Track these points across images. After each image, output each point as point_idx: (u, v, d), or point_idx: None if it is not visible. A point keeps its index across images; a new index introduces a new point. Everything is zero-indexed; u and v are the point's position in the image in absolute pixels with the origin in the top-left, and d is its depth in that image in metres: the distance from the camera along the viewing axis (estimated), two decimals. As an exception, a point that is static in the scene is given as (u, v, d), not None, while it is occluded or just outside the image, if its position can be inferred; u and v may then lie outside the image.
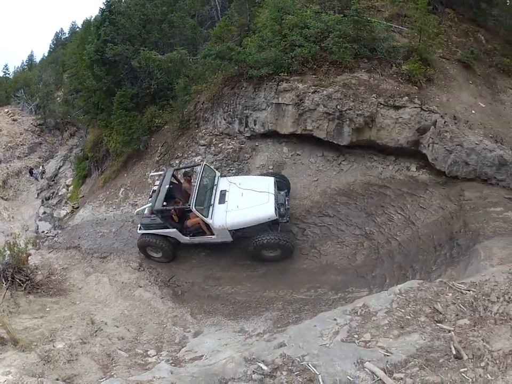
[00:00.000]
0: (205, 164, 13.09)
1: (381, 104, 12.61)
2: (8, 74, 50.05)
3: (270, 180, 12.59)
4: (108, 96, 19.07)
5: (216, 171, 13.27)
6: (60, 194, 25.33)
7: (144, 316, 10.99)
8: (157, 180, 13.99)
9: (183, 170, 13.98)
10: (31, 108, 33.76)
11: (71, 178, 26.05)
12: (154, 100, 18.62)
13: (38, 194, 26.36)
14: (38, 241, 19.20)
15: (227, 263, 12.59)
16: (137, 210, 13.15)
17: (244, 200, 11.99)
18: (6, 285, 10.87)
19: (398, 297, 6.09)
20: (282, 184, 13.03)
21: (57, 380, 7.07)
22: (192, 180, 13.28)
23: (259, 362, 5.02)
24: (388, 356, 4.82)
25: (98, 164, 22.21)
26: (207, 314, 11.24)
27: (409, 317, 5.57)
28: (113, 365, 8.24)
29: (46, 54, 55.92)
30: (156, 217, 12.24)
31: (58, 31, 59.85)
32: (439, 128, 12.14)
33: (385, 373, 4.55)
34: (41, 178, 27.78)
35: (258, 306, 11.12)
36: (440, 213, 11.69)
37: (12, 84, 40.17)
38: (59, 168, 28.59)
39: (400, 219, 12.03)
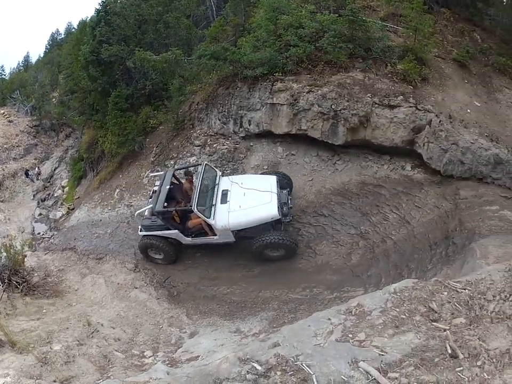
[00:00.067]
0: (206, 163, 12.97)
1: (375, 103, 12.63)
2: (4, 75, 49.76)
3: (272, 179, 12.45)
4: (103, 97, 19.03)
5: (217, 170, 13.14)
6: (55, 195, 25.19)
7: (140, 317, 10.97)
8: (157, 180, 13.82)
9: (184, 170, 13.76)
10: (26, 109, 33.64)
11: (67, 180, 25.91)
12: (149, 100, 18.60)
13: (33, 196, 26.23)
14: (34, 243, 19.15)
15: (222, 263, 12.55)
16: (138, 212, 12.93)
17: (246, 200, 11.83)
18: (2, 287, 10.82)
19: (392, 296, 6.06)
20: (284, 183, 12.92)
21: (54, 381, 7.11)
22: (193, 180, 13.14)
23: (253, 362, 5.00)
24: (382, 355, 4.79)
25: (94, 165, 22.09)
26: (202, 315, 11.22)
27: (404, 316, 5.54)
28: (110, 366, 8.27)
29: (42, 55, 55.88)
30: (157, 219, 12.12)
31: (54, 32, 59.71)
32: (434, 128, 12.17)
33: (380, 373, 4.52)
34: (37, 179, 27.66)
35: (254, 307, 11.10)
36: (435, 212, 11.70)
37: (8, 85, 40.01)
38: (55, 170, 28.45)
39: (395, 218, 12.04)
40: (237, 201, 11.91)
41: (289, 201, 12.30)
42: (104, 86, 18.85)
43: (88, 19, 32.83)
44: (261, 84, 14.11)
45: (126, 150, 17.58)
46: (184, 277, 12.58)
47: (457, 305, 5.57)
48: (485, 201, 11.28)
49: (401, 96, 12.55)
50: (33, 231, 22.15)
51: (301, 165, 14.11)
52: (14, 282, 11.06)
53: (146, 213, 12.69)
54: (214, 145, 15.34)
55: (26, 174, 28.00)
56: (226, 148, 15.10)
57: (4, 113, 33.49)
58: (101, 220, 15.87)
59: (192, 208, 11.35)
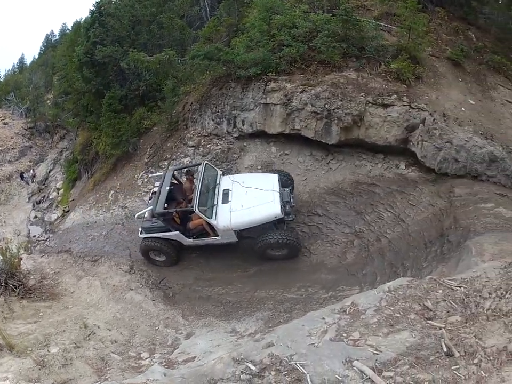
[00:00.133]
0: (206, 163, 12.83)
1: (369, 102, 12.65)
2: (-1, 77, 49.88)
3: (274, 177, 12.32)
4: (97, 98, 18.96)
5: (217, 170, 13.00)
6: (50, 198, 25.17)
7: (136, 319, 10.92)
8: (157, 181, 13.64)
9: (185, 169, 13.63)
10: (21, 111, 33.65)
11: (62, 182, 25.87)
12: (143, 101, 18.57)
13: (29, 198, 26.22)
14: (29, 245, 19.13)
15: (217, 264, 12.51)
16: (138, 214, 12.74)
17: (248, 199, 11.69)
18: (-1, 290, 10.82)
19: (387, 295, 6.03)
20: (286, 181, 12.76)
21: (53, 384, 7.11)
22: (194, 179, 12.99)
23: (247, 362, 4.97)
24: (377, 354, 4.75)
25: (88, 167, 22.06)
26: (198, 316, 11.18)
27: (398, 315, 5.50)
28: (107, 368, 8.27)
29: (37, 56, 55.73)
30: (157, 220, 11.98)
31: (48, 33, 59.60)
32: (428, 126, 12.19)
33: (375, 372, 4.48)
34: (32, 182, 27.63)
35: (250, 307, 11.08)
36: (430, 210, 11.70)
37: (3, 87, 40.05)
38: (49, 172, 28.42)
39: (389, 217, 12.04)
40: (238, 200, 11.75)
41: (291, 200, 12.12)
42: (98, 88, 18.80)
43: (82, 20, 32.79)
44: (254, 84, 14.09)
45: (120, 151, 17.53)
46: (179, 278, 12.53)
47: (452, 303, 5.53)
48: (479, 198, 11.28)
49: (395, 95, 12.57)
50: (29, 233, 22.16)
51: (295, 165, 14.08)
52: (11, 285, 11.00)
53: (146, 215, 12.55)
54: (208, 145, 15.30)
55: (22, 177, 27.97)
56: (220, 148, 15.06)
57: (-1, 115, 33.49)
58: (95, 222, 15.79)
59: (194, 208, 11.21)
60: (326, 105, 12.92)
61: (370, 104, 12.65)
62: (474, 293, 5.65)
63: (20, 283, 11.27)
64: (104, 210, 16.04)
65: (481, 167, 11.80)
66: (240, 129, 14.96)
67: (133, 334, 10.22)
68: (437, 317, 5.35)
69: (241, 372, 4.82)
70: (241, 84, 14.42)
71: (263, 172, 13.74)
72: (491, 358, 4.43)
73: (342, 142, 13.35)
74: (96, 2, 19.44)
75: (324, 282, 11.24)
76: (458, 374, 4.32)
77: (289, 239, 11.44)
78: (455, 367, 4.43)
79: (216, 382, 4.75)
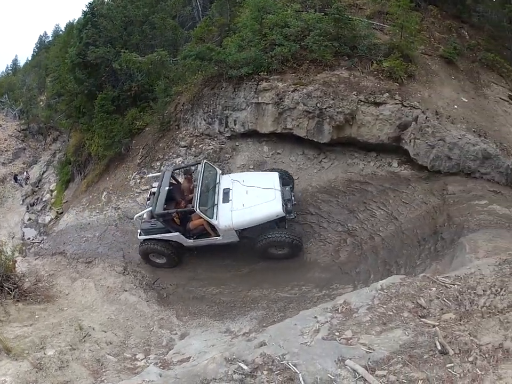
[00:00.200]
0: (206, 162, 12.67)
1: (361, 101, 12.66)
2: (-7, 79, 49.59)
3: (275, 175, 12.22)
4: (89, 99, 18.88)
5: (217, 168, 12.86)
6: (44, 200, 25.14)
7: (131, 320, 10.87)
8: (155, 181, 13.50)
9: (183, 169, 13.51)
10: (15, 113, 33.60)
11: (55, 184, 25.84)
12: (135, 102, 18.51)
13: (23, 201, 26.24)
14: (24, 248, 19.17)
15: (211, 264, 12.46)
16: (137, 215, 12.54)
17: (250, 198, 11.55)
18: (-5, 293, 10.79)
19: (379, 293, 6.03)
20: (285, 179, 12.64)
21: (50, 387, 7.13)
22: (192, 179, 12.91)
23: (239, 362, 4.97)
24: (369, 352, 4.75)
25: (81, 168, 22.02)
26: (192, 316, 11.17)
27: (391, 313, 5.50)
28: (103, 370, 8.25)
29: (30, 58, 55.53)
30: (157, 221, 11.77)
31: (42, 35, 59.38)
32: (421, 124, 12.20)
33: (367, 371, 4.47)
34: (26, 184, 27.60)
35: (243, 306, 11.07)
36: (423, 207, 11.72)
37: (-3, 89, 39.91)
38: (43, 174, 28.40)
39: (382, 215, 12.05)
40: (239, 199, 11.62)
41: (292, 198, 12.05)
42: (91, 89, 18.73)
43: (75, 21, 32.69)
44: (246, 84, 14.07)
45: (113, 152, 17.47)
46: (173, 278, 12.49)
47: (446, 300, 5.53)
48: (473, 195, 11.31)
49: (387, 93, 12.58)
50: (23, 236, 22.18)
51: (287, 164, 14.05)
52: (6, 288, 10.95)
53: (145, 216, 12.37)
54: (200, 145, 15.26)
55: (15, 179, 27.95)
56: (212, 148, 15.02)
57: (-8, 118, 33.41)
58: (89, 223, 15.72)
59: (194, 208, 11.07)
60: (318, 104, 12.92)
61: (362, 103, 12.66)
62: (469, 290, 5.64)
63: (15, 286, 11.22)
64: (97, 211, 15.98)
65: (475, 164, 11.81)
66: (232, 129, 14.94)
67: (127, 335, 10.18)
68: (430, 315, 5.33)
69: (234, 371, 4.82)
70: (233, 84, 14.40)
71: (263, 171, 13.62)
72: (487, 355, 4.41)
73: (334, 140, 13.35)
74: (89, 3, 19.40)
75: (317, 281, 11.23)
76: (453, 372, 4.31)
77: (290, 238, 11.33)
78: (449, 365, 4.41)
79: (209, 382, 4.74)
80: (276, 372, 4.69)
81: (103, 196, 16.47)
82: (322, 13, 13.86)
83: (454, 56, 14.13)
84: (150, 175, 14.99)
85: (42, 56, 45.33)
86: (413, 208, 11.80)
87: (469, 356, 4.47)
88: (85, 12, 19.50)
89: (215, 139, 15.30)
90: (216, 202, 11.61)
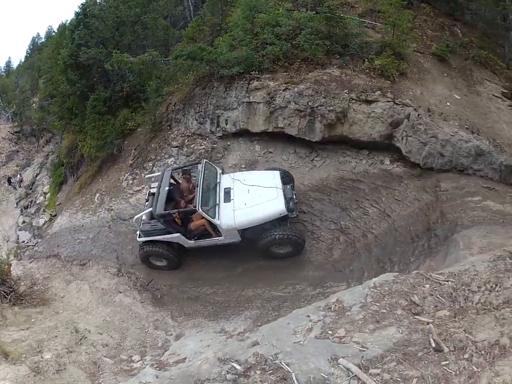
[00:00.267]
0: (206, 161, 12.56)
1: (352, 99, 12.66)
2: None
3: (276, 174, 12.14)
4: (81, 100, 18.79)
5: (217, 168, 12.76)
6: (38, 202, 25.04)
7: (126, 322, 10.90)
8: (153, 181, 13.38)
9: (182, 169, 13.41)
10: (8, 116, 33.43)
11: (48, 186, 25.72)
12: (127, 102, 18.40)
13: (17, 204, 26.12)
14: (19, 251, 19.09)
15: (204, 264, 12.43)
16: (136, 216, 12.23)
17: (252, 197, 11.45)
18: (-9, 297, 10.77)
19: (372, 291, 5.95)
20: (286, 178, 12.52)
21: (48, 390, 7.15)
22: (191, 179, 12.80)
23: (232, 362, 4.90)
24: (363, 351, 4.69)
25: (74, 170, 21.92)
26: (187, 317, 11.17)
27: (384, 311, 5.43)
28: (100, 372, 8.31)
29: (23, 60, 55.26)
30: (157, 223, 11.58)
31: (34, 36, 59.05)
32: (413, 121, 12.22)
33: (361, 369, 4.42)
34: (20, 187, 27.48)
35: (238, 306, 11.06)
36: (416, 204, 11.74)
37: (-10, 92, 39.69)
38: (36, 176, 28.28)
39: (375, 212, 12.06)
40: (241, 199, 11.53)
41: (294, 196, 11.96)
42: (83, 90, 18.60)
43: (67, 22, 32.53)
44: (237, 83, 14.05)
45: (105, 153, 17.40)
46: (166, 279, 12.46)
47: (440, 297, 5.46)
48: (466, 192, 11.32)
49: (379, 91, 12.59)
50: (18, 239, 22.07)
51: (279, 163, 14.03)
52: (2, 292, 10.96)
53: (144, 218, 12.19)
54: (192, 145, 15.22)
55: (9, 182, 27.84)
56: (204, 148, 14.98)
57: (-15, 121, 33.29)
58: (82, 225, 15.69)
59: (196, 208, 10.91)
60: (309, 103, 12.93)
61: (353, 101, 12.66)
62: (463, 287, 5.59)
63: (11, 289, 11.23)
64: (90, 213, 15.95)
65: (467, 161, 11.84)
66: (224, 129, 14.91)
67: (123, 337, 10.21)
68: (424, 312, 5.27)
69: (227, 371, 4.75)
70: (224, 83, 14.38)
71: (264, 170, 13.47)
72: (483, 352, 4.37)
73: (325, 139, 13.35)
74: (81, 4, 19.33)
75: (311, 279, 11.23)
76: (449, 370, 4.25)
77: (293, 236, 11.24)
78: (444, 362, 4.36)
79: (202, 383, 4.68)
80: (269, 372, 4.64)
81: (96, 198, 16.44)
82: (314, 12, 13.87)
83: (447, 53, 14.13)
84: (148, 175, 14.85)
85: (35, 58, 45.05)
86: (406, 206, 11.82)
87: (465, 353, 4.42)
88: (77, 12, 19.36)
89: (207, 139, 15.26)
90: (217, 202, 11.49)
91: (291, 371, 4.54)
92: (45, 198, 24.81)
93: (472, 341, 4.54)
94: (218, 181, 12.12)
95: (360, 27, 14.06)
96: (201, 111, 15.11)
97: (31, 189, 27.29)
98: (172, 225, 11.57)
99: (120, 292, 12.13)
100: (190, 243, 11.79)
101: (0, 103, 35.01)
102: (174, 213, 11.46)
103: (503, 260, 6.29)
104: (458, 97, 13.16)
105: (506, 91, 14.09)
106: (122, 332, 10.40)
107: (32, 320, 10.55)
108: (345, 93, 12.69)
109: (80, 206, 16.83)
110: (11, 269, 12.14)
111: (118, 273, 12.86)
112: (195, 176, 12.91)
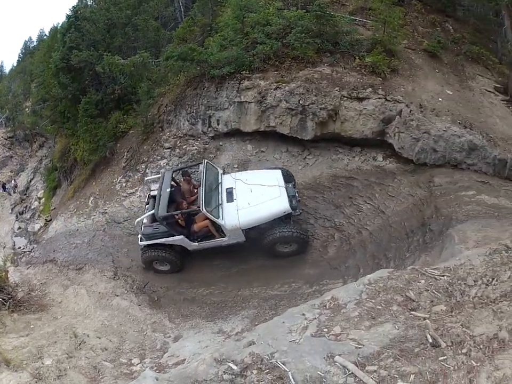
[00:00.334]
0: (207, 161, 12.42)
1: (344, 96, 12.68)
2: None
3: (277, 173, 12.07)
4: (73, 104, 18.71)
5: (218, 168, 12.67)
6: (32, 207, 25.00)
7: (124, 325, 10.81)
8: (154, 183, 13.27)
9: (181, 170, 13.20)
10: (1, 121, 33.31)
11: (42, 191, 25.69)
12: (119, 105, 18.37)
13: (12, 210, 26.05)
14: (15, 257, 18.98)
15: (199, 264, 12.36)
16: (137, 220, 12.00)
17: (255, 196, 11.33)
18: (-11, 305, 10.72)
19: (367, 287, 5.96)
20: (287, 177, 12.38)
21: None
22: (191, 180, 12.70)
23: (229, 362, 4.88)
24: (359, 348, 4.68)
25: (67, 174, 21.89)
26: (184, 318, 11.11)
27: (380, 307, 5.43)
28: (101, 376, 8.21)
29: (15, 64, 55.03)
30: (159, 225, 11.36)
31: (26, 40, 58.79)
32: (405, 117, 12.26)
33: (357, 366, 4.40)
34: (14, 192, 27.42)
35: (235, 306, 11.03)
36: (410, 200, 11.74)
37: (-17, 97, 39.53)
38: (30, 181, 28.24)
39: (369, 209, 12.06)
40: (244, 198, 11.39)
41: (296, 194, 11.88)
42: (75, 93, 18.56)
43: (59, 25, 32.48)
44: (228, 83, 14.03)
45: (98, 156, 17.38)
46: (163, 281, 12.40)
47: (436, 292, 5.46)
48: (460, 187, 11.33)
49: (370, 88, 12.62)
50: (14, 245, 22.02)
51: (271, 162, 14.02)
52: (1, 299, 10.87)
53: (145, 221, 12.02)
54: (184, 146, 15.17)
55: (4, 188, 27.78)
56: (196, 149, 14.95)
57: (-21, 126, 33.18)
58: (77, 230, 15.62)
59: (200, 208, 10.78)
60: (301, 101, 12.93)
61: (345, 98, 12.68)
62: (459, 281, 5.59)
63: (9, 296, 11.08)
64: (85, 217, 15.89)
65: (461, 155, 11.88)
66: (215, 129, 14.87)
67: (122, 340, 10.12)
68: (420, 308, 5.26)
69: (224, 372, 4.73)
70: (215, 83, 14.35)
71: (266, 169, 13.32)
72: (481, 346, 4.35)
73: (318, 137, 13.37)
74: (73, 6, 19.40)
75: (307, 277, 11.20)
76: (447, 365, 4.23)
77: (297, 233, 11.17)
78: (442, 357, 4.34)
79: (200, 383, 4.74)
80: (265, 371, 4.62)
81: (90, 201, 16.40)
82: (304, 10, 13.89)
83: (438, 49, 14.16)
84: (148, 177, 14.74)
85: (28, 62, 44.87)
86: (400, 201, 11.82)
87: (462, 347, 4.40)
88: (68, 15, 19.37)
89: (199, 139, 15.22)
90: (220, 202, 11.38)
91: (287, 370, 4.53)
92: (40, 203, 24.76)
93: (470, 336, 4.52)
94: (219, 181, 12.04)
95: (351, 25, 14.12)
96: (193, 112, 15.06)
97: (25, 194, 27.25)
98: (175, 227, 11.38)
99: (117, 295, 12.05)
100: (194, 245, 11.62)
101: (-7, 108, 34.94)
102: (177, 215, 11.33)
103: (499, 253, 6.28)
104: (451, 93, 13.20)
105: (499, 86, 14.15)
106: (120, 335, 10.31)
107: (31, 326, 10.44)
108: (337, 90, 12.70)
109: (75, 210, 16.78)
110: (8, 275, 12.05)
111: (115, 277, 12.79)
112: (194, 178, 12.94)
